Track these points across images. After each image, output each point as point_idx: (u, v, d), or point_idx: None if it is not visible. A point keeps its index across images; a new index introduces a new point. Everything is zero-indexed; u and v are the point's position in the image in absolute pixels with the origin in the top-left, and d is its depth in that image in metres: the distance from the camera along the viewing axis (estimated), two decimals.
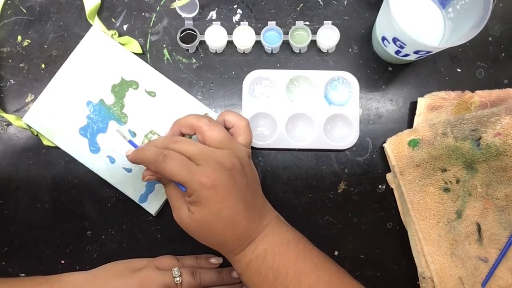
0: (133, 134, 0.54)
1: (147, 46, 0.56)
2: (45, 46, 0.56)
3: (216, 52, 0.55)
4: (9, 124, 0.55)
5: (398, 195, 0.54)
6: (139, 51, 0.55)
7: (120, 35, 0.55)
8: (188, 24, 0.55)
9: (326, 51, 0.55)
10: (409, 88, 0.55)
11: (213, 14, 0.56)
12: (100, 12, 0.56)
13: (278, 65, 0.55)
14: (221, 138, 0.44)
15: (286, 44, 0.55)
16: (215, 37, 0.54)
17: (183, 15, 0.54)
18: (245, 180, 0.43)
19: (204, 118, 0.45)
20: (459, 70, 0.55)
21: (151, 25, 0.56)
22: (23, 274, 0.54)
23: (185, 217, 0.43)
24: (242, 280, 0.46)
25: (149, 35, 0.56)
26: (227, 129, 0.47)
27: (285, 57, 0.55)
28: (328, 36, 0.54)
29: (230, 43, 0.55)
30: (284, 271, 0.42)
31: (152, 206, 0.53)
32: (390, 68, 0.56)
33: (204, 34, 0.54)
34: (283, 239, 0.44)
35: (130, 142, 0.48)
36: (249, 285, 0.44)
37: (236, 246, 0.44)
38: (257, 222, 0.44)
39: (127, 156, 0.45)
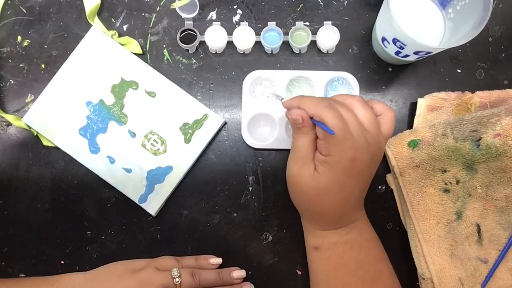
0: (133, 135, 0.54)
1: (147, 46, 0.56)
2: (45, 46, 0.56)
3: (216, 52, 0.55)
4: (9, 124, 0.55)
5: (398, 196, 0.54)
6: (139, 51, 0.55)
7: (120, 35, 0.55)
8: (188, 24, 0.55)
9: (326, 52, 0.55)
10: (409, 89, 0.55)
11: (213, 14, 0.56)
12: (100, 12, 0.56)
13: (278, 65, 0.55)
14: (373, 119, 0.43)
15: (286, 45, 0.55)
16: (215, 37, 0.54)
17: (183, 15, 0.54)
18: (374, 170, 0.44)
19: (357, 96, 0.44)
20: (459, 70, 0.55)
21: (151, 26, 0.56)
22: (23, 275, 0.55)
23: (307, 173, 0.42)
24: (311, 256, 0.46)
25: (149, 35, 0.56)
26: None
27: (285, 58, 0.55)
28: (328, 37, 0.54)
29: (230, 44, 0.55)
30: (366, 266, 0.43)
31: (152, 207, 0.53)
32: (390, 69, 0.56)
33: (204, 35, 0.54)
34: (371, 236, 0.46)
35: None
36: (321, 263, 0.44)
37: (331, 224, 0.44)
38: (357, 211, 0.45)
39: (285, 101, 0.45)
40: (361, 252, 0.44)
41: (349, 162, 0.41)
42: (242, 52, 0.55)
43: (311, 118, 0.42)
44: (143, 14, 0.56)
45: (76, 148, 0.53)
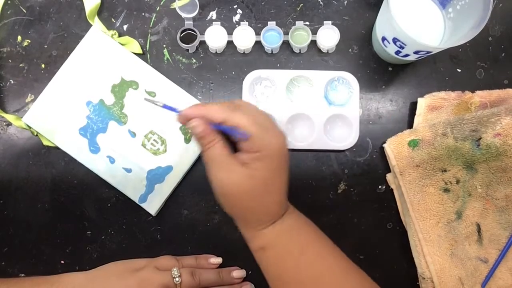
0: (133, 135, 0.54)
1: (147, 46, 0.56)
2: (45, 46, 0.56)
3: (216, 52, 0.55)
4: (9, 124, 0.55)
5: (398, 196, 0.54)
6: (139, 51, 0.55)
7: (120, 35, 0.55)
8: (188, 24, 0.55)
9: (326, 51, 0.55)
10: (409, 88, 0.55)
11: (213, 14, 0.56)
12: (100, 12, 0.56)
13: (278, 65, 0.55)
14: (259, 108, 0.44)
15: (286, 44, 0.55)
16: (215, 37, 0.54)
17: (183, 15, 0.54)
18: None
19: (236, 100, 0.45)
20: (459, 70, 0.55)
21: (151, 25, 0.56)
22: (23, 274, 0.55)
23: (240, 176, 0.41)
24: (261, 259, 0.45)
25: (149, 35, 0.56)
26: None
27: (285, 57, 0.55)
28: (328, 36, 0.54)
29: (230, 43, 0.55)
30: (309, 247, 0.43)
31: (152, 206, 0.53)
32: (390, 68, 0.56)
33: (204, 34, 0.54)
34: (306, 220, 0.46)
35: (165, 106, 0.44)
36: (270, 262, 0.44)
37: (272, 216, 0.43)
38: (286, 198, 0.45)
39: (183, 111, 0.41)
40: (300, 234, 0.44)
41: (278, 151, 0.41)
42: (242, 52, 0.55)
43: (219, 126, 0.41)
44: (143, 14, 0.56)
45: (76, 148, 0.53)
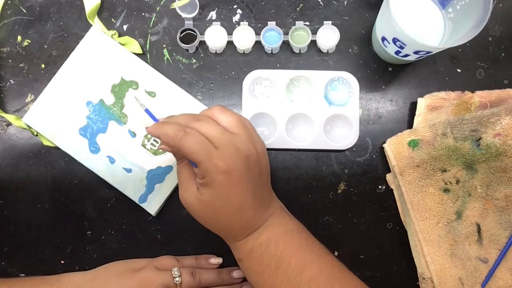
0: (133, 135, 0.54)
1: (147, 46, 0.56)
2: (45, 46, 0.56)
3: (216, 52, 0.55)
4: (9, 124, 0.55)
5: (398, 196, 0.54)
6: (139, 51, 0.55)
7: (120, 35, 0.55)
8: (188, 24, 0.55)
9: (326, 51, 0.55)
10: (409, 89, 0.55)
11: (213, 14, 0.56)
12: (100, 12, 0.56)
13: (278, 65, 0.55)
14: (235, 120, 0.43)
15: (286, 44, 0.55)
16: (215, 37, 0.54)
17: (183, 15, 0.54)
18: (259, 169, 0.43)
19: (215, 106, 0.45)
20: (459, 70, 0.55)
21: (151, 25, 0.56)
22: (23, 274, 0.55)
23: (192, 198, 0.43)
24: (240, 267, 0.46)
25: (149, 35, 0.56)
26: None
27: (285, 57, 0.55)
28: (328, 36, 0.54)
29: (230, 43, 0.55)
30: (286, 260, 0.42)
31: (152, 206, 0.53)
32: (390, 69, 0.56)
33: (204, 34, 0.54)
34: (287, 229, 0.45)
35: (147, 111, 0.47)
36: (248, 272, 0.45)
37: (240, 233, 0.44)
38: (263, 211, 0.44)
39: (146, 128, 0.44)
40: (278, 248, 0.43)
41: (224, 176, 0.40)
42: (242, 52, 0.55)
43: None
44: (143, 14, 0.56)
45: (76, 148, 0.53)
